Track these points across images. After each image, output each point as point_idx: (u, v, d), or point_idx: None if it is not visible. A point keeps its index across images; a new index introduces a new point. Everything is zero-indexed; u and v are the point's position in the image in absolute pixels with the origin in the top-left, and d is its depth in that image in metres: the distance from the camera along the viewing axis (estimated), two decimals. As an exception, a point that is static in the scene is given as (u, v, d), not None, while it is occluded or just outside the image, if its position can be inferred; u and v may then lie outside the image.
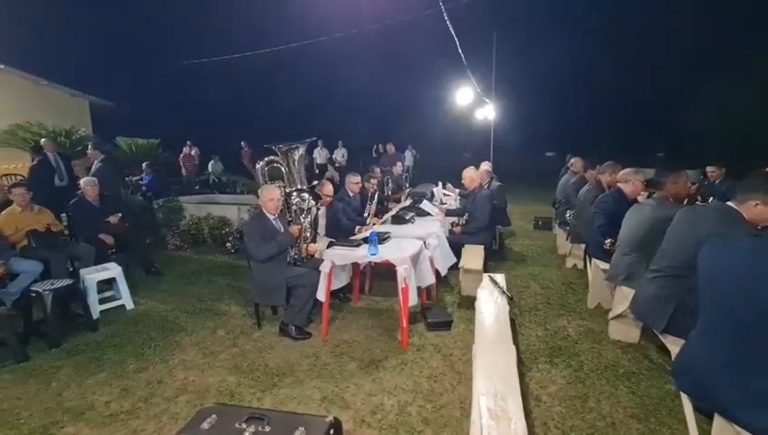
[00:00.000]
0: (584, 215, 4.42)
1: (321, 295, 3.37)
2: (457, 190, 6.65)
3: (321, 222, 4.31)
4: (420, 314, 3.71)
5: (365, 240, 3.50)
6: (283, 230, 3.51)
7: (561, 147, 14.88)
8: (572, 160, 6.23)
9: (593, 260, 3.88)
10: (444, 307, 3.89)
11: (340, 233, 4.29)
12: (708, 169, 5.62)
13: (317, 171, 13.20)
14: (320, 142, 13.48)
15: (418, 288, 3.84)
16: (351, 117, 20.89)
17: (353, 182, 5.00)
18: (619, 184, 3.76)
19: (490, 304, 3.07)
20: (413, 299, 3.27)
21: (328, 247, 3.78)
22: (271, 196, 3.42)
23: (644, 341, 3.18)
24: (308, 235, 3.69)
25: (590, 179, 4.88)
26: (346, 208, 4.77)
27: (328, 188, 4.26)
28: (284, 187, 3.87)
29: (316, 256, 3.95)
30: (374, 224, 4.78)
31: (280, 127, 18.96)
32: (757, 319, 1.40)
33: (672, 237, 2.52)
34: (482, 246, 4.65)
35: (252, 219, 3.55)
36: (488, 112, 11.27)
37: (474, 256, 4.35)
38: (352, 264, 3.75)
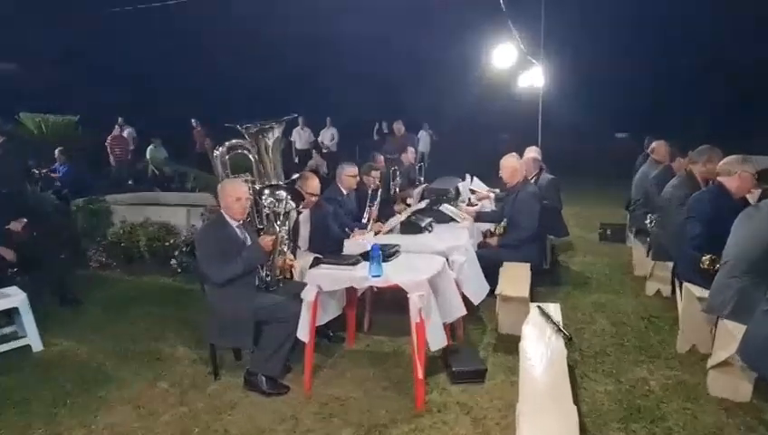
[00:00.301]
0: (671, 221, 4.39)
1: (303, 334, 3.37)
2: (488, 189, 6.64)
3: (304, 231, 4.33)
4: (441, 360, 3.70)
5: (364, 256, 3.51)
6: (250, 242, 3.52)
7: (638, 126, 14.88)
8: (653, 145, 6.22)
9: (684, 285, 3.84)
10: (474, 350, 3.89)
11: (330, 246, 4.31)
12: None
13: (296, 160, 13.30)
14: (300, 120, 13.56)
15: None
16: (345, 84, 21.04)
17: (348, 175, 5.04)
18: (719, 178, 3.75)
19: (540, 346, 3.06)
20: (434, 340, 3.26)
21: (312, 266, 3.78)
22: (236, 194, 3.45)
23: (758, 399, 3.14)
24: (285, 248, 3.71)
25: (679, 171, 4.86)
26: (338, 212, 4.80)
27: (312, 184, 4.28)
28: (253, 182, 3.89)
29: (296, 277, 3.96)
30: (377, 233, 4.79)
31: (249, 100, 19.10)
32: None
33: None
34: (527, 265, 4.65)
35: (207, 227, 3.57)
36: (535, 78, 11.29)
37: (516, 278, 4.34)
38: (346, 289, 3.77)
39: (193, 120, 14.33)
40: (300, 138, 13.61)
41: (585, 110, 19.81)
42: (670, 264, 4.49)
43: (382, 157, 7.11)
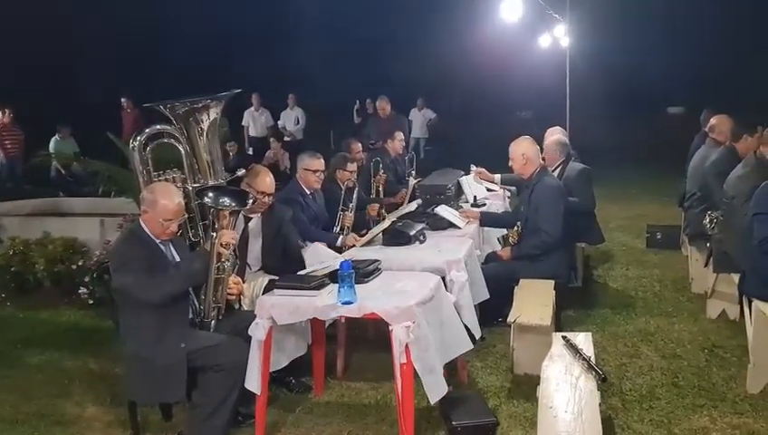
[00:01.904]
0: (737, 220, 4.41)
1: (253, 383, 3.34)
2: (498, 185, 6.66)
3: (254, 245, 4.29)
4: (438, 412, 3.67)
5: (332, 277, 3.48)
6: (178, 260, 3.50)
7: (695, 98, 15.02)
8: (713, 121, 6.25)
9: (754, 303, 3.84)
10: (481, 398, 3.86)
11: (290, 264, 4.26)
12: None
13: (250, 151, 13.26)
14: (254, 99, 13.51)
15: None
16: (312, 51, 21.02)
17: (308, 169, 4.99)
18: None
19: (565, 389, 3.03)
20: (432, 389, 3.22)
21: (266, 292, 3.74)
22: (166, 213, 3.35)
23: None
24: (228, 265, 3.66)
25: (747, 154, 4.89)
26: (300, 217, 4.76)
27: (264, 182, 4.21)
28: (184, 180, 3.84)
29: (245, 306, 3.91)
30: (350, 245, 4.74)
31: (176, 74, 19.00)
32: None
33: None
34: (550, 283, 4.65)
35: (125, 240, 3.52)
36: (560, 38, 11.38)
37: (536, 300, 4.34)
38: (310, 322, 3.72)
39: (123, 100, 14.20)
40: (254, 122, 13.53)
41: (625, 78, 19.96)
42: (737, 277, 4.50)
43: (360, 144, 7.10)
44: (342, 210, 5.09)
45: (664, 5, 20.34)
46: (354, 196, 5.20)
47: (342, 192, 5.27)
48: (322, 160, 5.09)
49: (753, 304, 3.89)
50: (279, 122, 13.75)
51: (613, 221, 8.56)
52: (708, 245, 5.16)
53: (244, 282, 4.08)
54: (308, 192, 5.04)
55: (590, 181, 5.86)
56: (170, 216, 3.35)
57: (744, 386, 3.90)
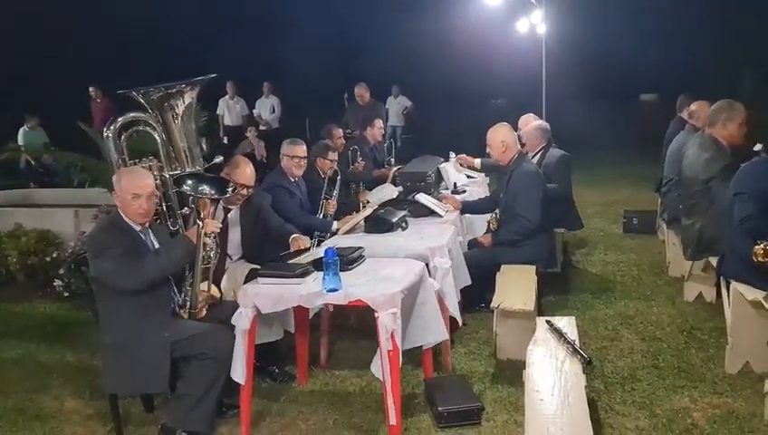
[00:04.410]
0: (717, 202, 4.51)
1: (238, 373, 3.32)
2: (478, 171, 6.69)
3: (234, 235, 4.25)
4: (423, 398, 3.70)
5: (316, 264, 3.47)
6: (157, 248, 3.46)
7: (670, 84, 15.17)
8: (692, 107, 6.31)
9: (732, 285, 3.92)
10: (466, 383, 3.89)
11: (271, 250, 4.26)
12: None
13: (225, 139, 13.12)
14: (229, 87, 13.36)
15: (419, 349, 3.82)
16: (287, 38, 20.84)
17: (290, 156, 4.96)
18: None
19: (550, 373, 3.07)
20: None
21: (247, 281, 3.72)
22: (132, 188, 3.31)
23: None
24: (213, 255, 3.61)
25: (708, 139, 4.96)
26: (289, 203, 4.79)
27: (245, 173, 4.15)
28: (161, 168, 3.79)
29: (226, 296, 3.91)
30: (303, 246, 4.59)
31: (164, 58, 18.67)
32: None
33: None
34: (532, 268, 4.69)
35: (103, 228, 3.47)
36: (537, 23, 11.41)
37: (518, 286, 4.37)
38: (294, 310, 3.71)
39: (91, 89, 13.90)
40: (229, 111, 13.36)
41: (603, 64, 20.11)
42: (714, 260, 4.57)
43: (341, 130, 7.07)
44: (325, 198, 5.04)
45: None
46: (337, 184, 5.14)
47: (324, 181, 5.22)
48: (304, 147, 5.05)
49: (731, 286, 3.95)
50: (254, 111, 13.61)
51: (590, 207, 8.64)
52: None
53: (224, 272, 4.05)
54: (292, 179, 5.01)
55: (569, 168, 5.91)
56: (136, 190, 3.31)
57: (723, 367, 3.97)
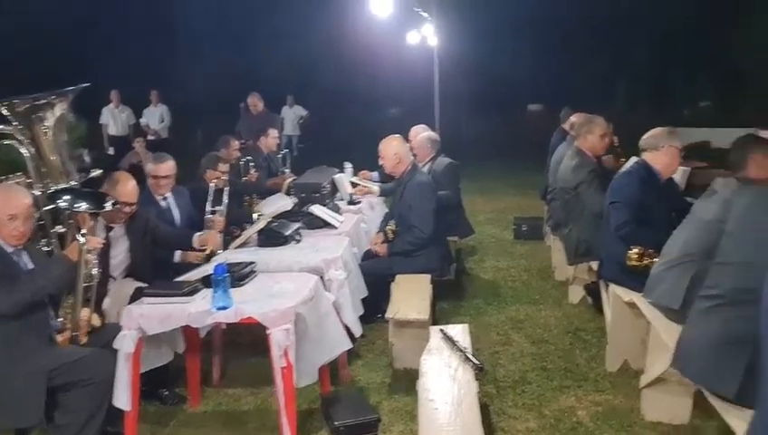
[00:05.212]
0: (587, 206, 4.78)
1: (123, 400, 3.17)
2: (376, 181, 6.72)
3: (117, 253, 4.03)
4: (320, 412, 3.67)
5: (205, 281, 3.36)
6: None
7: (554, 96, 16.05)
8: (572, 118, 6.68)
9: (610, 287, 4.15)
10: (362, 395, 3.89)
11: (158, 270, 4.10)
12: (762, 134, 6.37)
13: (110, 151, 12.51)
14: (113, 95, 12.75)
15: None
16: (178, 47, 20.18)
17: (154, 175, 4.57)
18: (644, 154, 4.12)
19: (444, 381, 3.10)
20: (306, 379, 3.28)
21: (133, 300, 3.57)
22: (8, 209, 3.08)
23: (698, 419, 3.45)
24: (95, 273, 3.41)
25: (576, 149, 5.31)
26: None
27: (126, 189, 3.90)
28: (30, 185, 3.53)
29: (109, 317, 3.71)
30: (204, 245, 4.32)
31: (36, 68, 17.52)
32: None
33: (742, 238, 2.79)
34: (426, 277, 4.76)
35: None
36: (429, 35, 11.66)
37: (413, 295, 4.40)
38: (184, 329, 3.58)
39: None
40: (114, 120, 12.75)
41: (492, 76, 20.93)
42: (595, 264, 4.82)
43: (237, 142, 6.90)
44: (211, 213, 4.68)
45: (527, 10, 21.58)
46: (224, 197, 4.81)
47: (210, 193, 4.83)
48: (167, 165, 4.61)
49: (609, 288, 4.18)
50: (142, 120, 13.06)
51: (482, 214, 8.92)
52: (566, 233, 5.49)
53: (106, 293, 3.83)
54: (159, 198, 4.63)
55: (457, 175, 6.06)
56: (12, 210, 3.08)
57: (604, 365, 4.19)
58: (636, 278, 3.74)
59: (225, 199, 4.80)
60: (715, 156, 8.05)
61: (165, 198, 4.69)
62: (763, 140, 3.47)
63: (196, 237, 4.23)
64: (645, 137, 4.14)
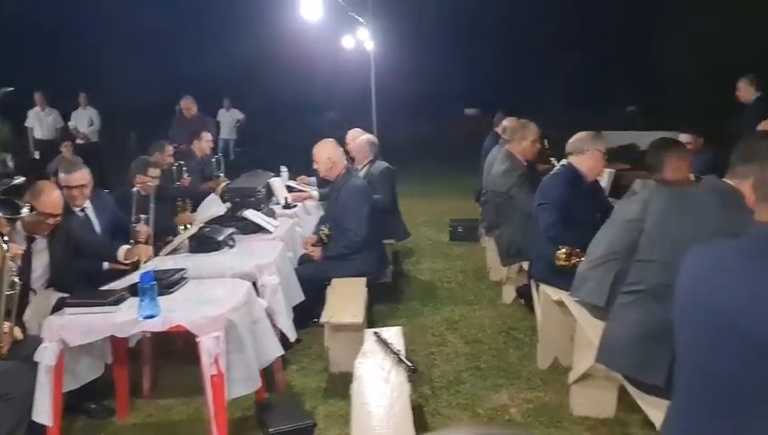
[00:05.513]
0: (518, 209, 4.89)
1: (44, 415, 3.06)
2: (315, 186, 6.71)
3: (39, 265, 3.87)
4: (255, 419, 3.64)
5: (132, 289, 3.28)
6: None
7: (489, 100, 16.34)
8: (504, 122, 6.83)
9: (541, 287, 4.26)
10: (297, 401, 3.87)
11: (87, 279, 3.98)
12: (682, 137, 6.71)
13: (36, 155, 12.02)
14: (38, 98, 12.23)
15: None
16: (110, 49, 19.59)
17: (64, 186, 4.24)
18: (570, 157, 4.24)
19: (377, 384, 3.12)
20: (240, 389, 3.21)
21: (55, 311, 3.45)
22: None
23: (623, 412, 3.57)
24: (17, 282, 3.26)
25: (504, 152, 5.46)
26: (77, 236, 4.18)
27: (50, 200, 3.68)
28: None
29: (30, 329, 3.53)
30: (134, 259, 4.13)
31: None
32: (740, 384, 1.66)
33: (660, 238, 2.90)
34: (362, 280, 4.77)
35: None
36: (365, 40, 11.70)
37: (348, 299, 4.42)
38: (111, 339, 3.48)
39: None
40: (40, 123, 12.21)
41: (427, 81, 21.19)
42: (527, 264, 4.93)
43: (172, 147, 6.75)
44: (135, 221, 4.42)
45: (463, 17, 21.98)
46: (151, 204, 4.60)
47: (134, 200, 4.62)
48: (81, 173, 4.34)
49: (540, 287, 4.29)
50: (70, 123, 12.58)
51: (420, 217, 8.99)
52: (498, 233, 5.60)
53: (27, 305, 3.67)
54: (75, 208, 4.37)
55: (392, 179, 6.11)
56: None
57: (536, 363, 4.30)
58: (564, 277, 3.83)
59: (152, 205, 4.65)
60: (641, 158, 8.35)
61: (83, 209, 4.42)
62: (678, 143, 3.64)
63: (122, 251, 4.04)
64: (571, 141, 4.27)
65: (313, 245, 5.08)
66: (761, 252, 1.71)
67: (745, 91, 6.82)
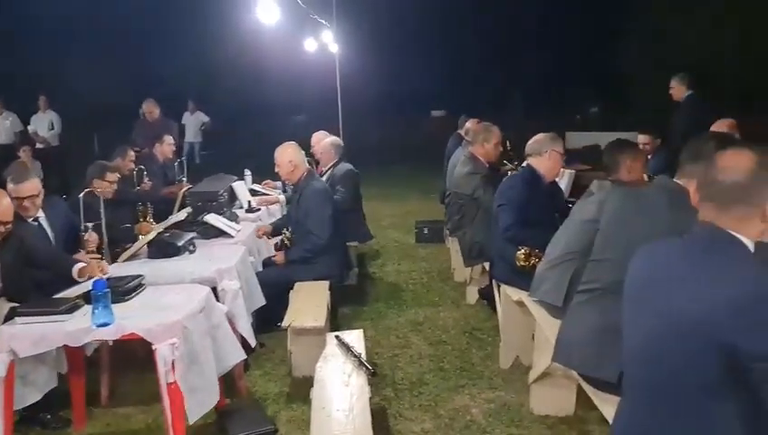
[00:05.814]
0: (478, 211, 4.92)
1: (-5, 426, 2.99)
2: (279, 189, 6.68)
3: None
4: (215, 425, 3.60)
5: (86, 297, 3.20)
6: None
7: (455, 103, 16.48)
8: (468, 125, 6.87)
9: (502, 287, 4.29)
10: (259, 406, 3.84)
11: (34, 289, 3.84)
12: (639, 138, 6.83)
13: (-8, 160, 11.72)
14: (-8, 99, 11.93)
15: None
16: (71, 50, 19.20)
17: (15, 197, 3.91)
18: (529, 159, 4.28)
19: (337, 388, 3.11)
20: (194, 408, 3.13)
21: (7, 320, 3.34)
22: None
23: (582, 410, 3.62)
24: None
25: (467, 155, 5.51)
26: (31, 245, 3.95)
27: (1, 208, 3.54)
28: None
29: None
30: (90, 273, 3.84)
31: None
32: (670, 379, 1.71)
33: (614, 237, 2.94)
34: (325, 283, 4.76)
35: None
36: (329, 42, 11.67)
37: (310, 302, 4.40)
38: (66, 348, 3.40)
39: None
40: (-2, 125, 11.94)
41: (393, 83, 21.26)
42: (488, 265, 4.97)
43: (133, 152, 6.63)
44: (84, 230, 4.21)
45: (430, 18, 22.10)
46: (101, 210, 4.37)
47: (83, 207, 4.31)
48: (31, 183, 4.03)
49: (501, 288, 4.32)
50: (30, 127, 12.28)
51: (386, 219, 9.00)
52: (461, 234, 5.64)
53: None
54: (30, 219, 4.13)
55: (356, 182, 6.10)
56: None
57: (498, 363, 4.32)
58: (524, 278, 3.86)
59: (103, 211, 4.47)
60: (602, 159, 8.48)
61: (35, 219, 4.18)
62: (633, 144, 3.70)
63: (76, 270, 3.80)
64: (530, 142, 4.32)
65: (277, 249, 5.04)
66: (703, 251, 1.74)
67: (678, 90, 6.85)
